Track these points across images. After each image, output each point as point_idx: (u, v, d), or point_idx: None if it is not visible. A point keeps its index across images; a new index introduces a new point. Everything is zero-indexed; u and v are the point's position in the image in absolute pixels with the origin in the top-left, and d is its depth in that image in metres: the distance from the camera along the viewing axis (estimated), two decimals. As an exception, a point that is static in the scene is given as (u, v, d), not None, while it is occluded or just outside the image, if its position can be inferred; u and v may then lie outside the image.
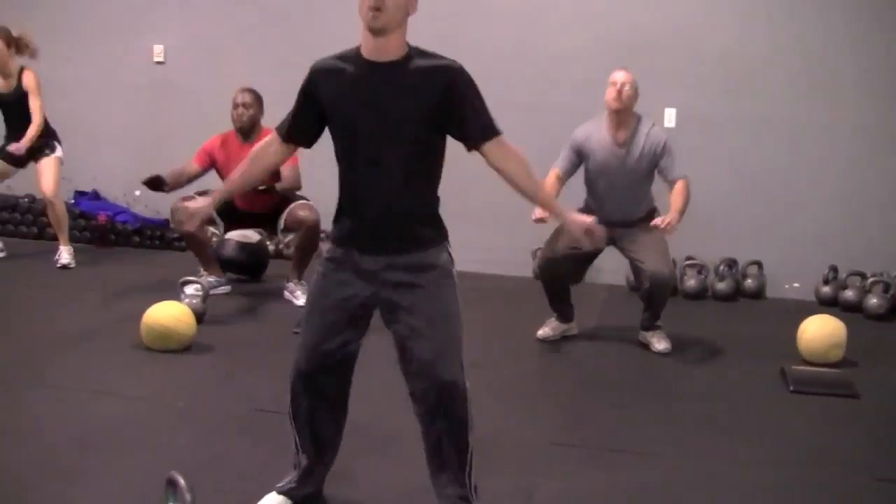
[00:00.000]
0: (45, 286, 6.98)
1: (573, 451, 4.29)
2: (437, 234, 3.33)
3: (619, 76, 5.74)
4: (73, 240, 7.72)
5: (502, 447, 4.13)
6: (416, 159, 3.24)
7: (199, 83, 8.22)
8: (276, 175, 6.35)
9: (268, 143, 3.47)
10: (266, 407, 4.63)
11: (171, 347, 5.45)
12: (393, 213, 3.24)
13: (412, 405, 3.32)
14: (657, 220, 5.56)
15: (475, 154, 3.27)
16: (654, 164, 5.79)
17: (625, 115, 5.78)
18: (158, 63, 8.46)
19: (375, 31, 3.13)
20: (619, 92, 5.70)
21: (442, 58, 3.21)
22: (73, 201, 8.28)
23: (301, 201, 6.63)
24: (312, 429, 3.45)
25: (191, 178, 6.58)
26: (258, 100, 6.61)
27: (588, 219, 3.42)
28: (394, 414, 3.92)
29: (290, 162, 6.36)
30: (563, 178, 5.84)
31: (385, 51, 3.17)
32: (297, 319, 5.98)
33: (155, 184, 6.30)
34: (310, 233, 6.56)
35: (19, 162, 7.40)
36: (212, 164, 6.62)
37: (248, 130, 6.59)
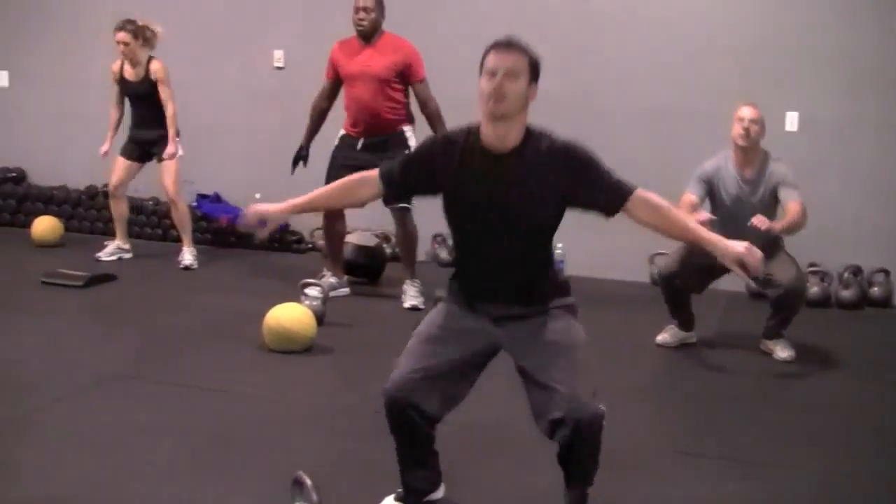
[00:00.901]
0: (169, 286, 7.14)
1: (699, 461, 4.22)
2: (559, 292, 3.34)
3: (746, 112, 5.65)
4: (195, 241, 7.89)
5: (626, 454, 4.09)
6: (537, 241, 3.29)
7: (318, 88, 8.30)
8: None
9: (365, 181, 3.46)
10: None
11: (291, 349, 5.52)
12: (513, 285, 3.29)
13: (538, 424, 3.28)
14: (757, 219, 5.41)
15: None
16: (776, 196, 5.71)
17: (752, 153, 5.71)
18: (278, 68, 8.59)
19: (496, 119, 3.16)
20: (747, 130, 5.62)
21: (559, 140, 3.21)
22: (195, 204, 8.45)
23: None
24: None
25: (325, 98, 6.82)
26: (379, 3, 6.63)
27: (743, 246, 3.26)
28: (516, 416, 3.90)
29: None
30: (699, 206, 5.76)
31: (505, 139, 3.19)
32: (416, 321, 6.03)
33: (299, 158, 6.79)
34: (403, 226, 6.65)
35: (142, 157, 7.60)
36: (336, 70, 6.71)
37: (368, 34, 6.63)
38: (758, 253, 3.25)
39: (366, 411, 4.67)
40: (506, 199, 3.18)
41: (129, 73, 7.48)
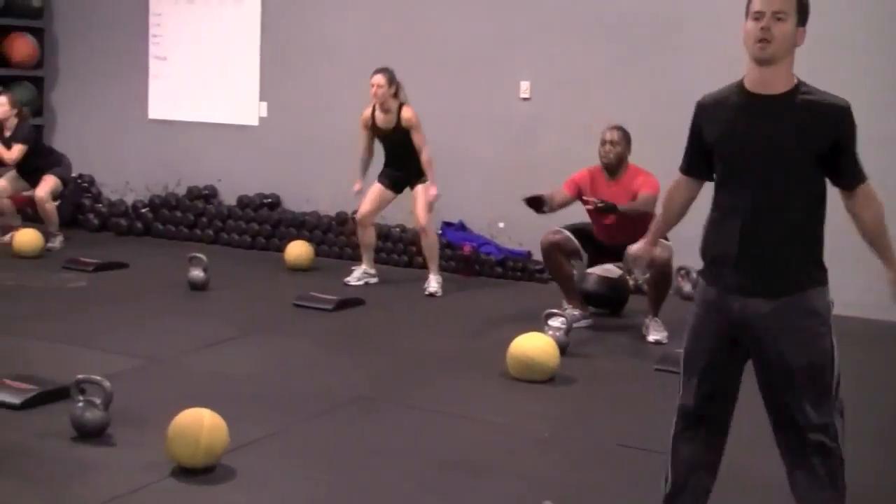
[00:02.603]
0: (414, 312, 7.26)
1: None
2: (819, 274, 3.18)
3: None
4: (440, 269, 7.99)
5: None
6: (801, 194, 3.14)
7: (564, 119, 8.32)
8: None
9: (675, 182, 3.48)
10: (628, 442, 4.57)
11: (534, 378, 5.51)
12: (775, 246, 3.13)
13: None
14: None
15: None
16: None
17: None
18: (524, 99, 8.63)
19: (762, 62, 3.09)
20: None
21: (830, 95, 3.13)
22: (440, 231, 8.59)
23: None
24: (687, 451, 3.35)
25: (561, 205, 6.67)
26: (626, 137, 6.62)
27: None
28: (770, 458, 3.74)
29: (649, 187, 6.42)
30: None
31: (772, 83, 3.12)
32: (659, 356, 5.93)
33: (536, 203, 6.50)
34: (663, 270, 6.46)
35: (396, 189, 7.78)
36: (579, 194, 6.68)
37: (614, 168, 6.62)
38: None
39: (607, 442, 4.60)
40: (771, 139, 3.11)
41: (381, 120, 7.68)
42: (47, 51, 10.60)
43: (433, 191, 7.61)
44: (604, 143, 6.63)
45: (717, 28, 7.30)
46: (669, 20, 7.94)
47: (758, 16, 3.07)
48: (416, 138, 7.58)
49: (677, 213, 3.50)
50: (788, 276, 3.13)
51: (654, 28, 8.00)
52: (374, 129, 7.75)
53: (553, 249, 6.76)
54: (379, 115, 7.68)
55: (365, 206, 7.87)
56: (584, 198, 6.60)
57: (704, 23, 7.75)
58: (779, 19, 3.06)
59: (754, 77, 3.14)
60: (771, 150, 3.11)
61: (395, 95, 7.62)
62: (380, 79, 7.55)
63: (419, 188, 7.67)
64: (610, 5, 7.42)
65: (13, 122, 8.84)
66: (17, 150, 8.76)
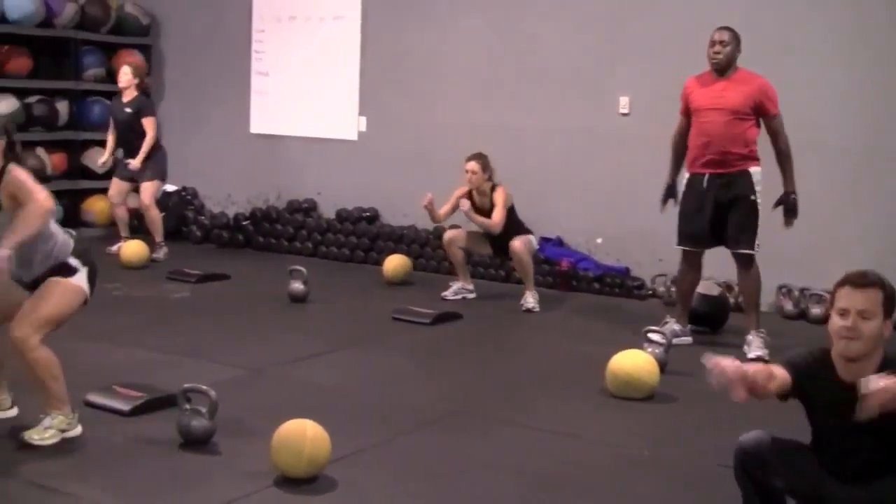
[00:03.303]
0: (511, 327, 7.27)
1: None
2: None
3: None
4: (536, 284, 7.98)
5: None
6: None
7: (663, 135, 8.23)
8: None
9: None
10: (730, 463, 4.50)
11: (633, 395, 5.47)
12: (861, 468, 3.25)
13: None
14: None
15: None
16: None
17: None
18: (623, 114, 8.60)
19: (849, 360, 3.14)
20: None
21: None
22: (537, 247, 8.58)
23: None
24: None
25: (684, 135, 6.70)
26: (736, 38, 6.50)
27: None
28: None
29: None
30: None
31: (861, 374, 3.10)
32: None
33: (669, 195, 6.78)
34: (748, 274, 6.47)
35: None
36: (687, 105, 6.65)
37: (723, 68, 6.50)
38: None
39: (707, 462, 4.55)
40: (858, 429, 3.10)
41: (477, 201, 7.79)
42: (154, 67, 10.86)
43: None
44: (713, 43, 6.50)
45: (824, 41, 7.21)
46: (772, 37, 7.85)
47: (843, 312, 3.11)
48: (497, 213, 7.73)
49: None
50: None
51: (754, 44, 7.91)
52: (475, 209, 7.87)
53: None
54: (475, 196, 7.83)
55: (453, 230, 8.09)
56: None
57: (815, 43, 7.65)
58: (865, 318, 3.09)
59: (841, 368, 3.20)
60: (858, 432, 3.15)
61: (489, 179, 7.76)
62: (474, 165, 7.70)
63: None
64: (709, 22, 7.32)
65: (133, 93, 9.02)
66: (151, 126, 8.95)
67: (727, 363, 3.24)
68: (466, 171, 7.71)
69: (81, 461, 4.37)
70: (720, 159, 6.46)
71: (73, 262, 4.47)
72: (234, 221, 10.16)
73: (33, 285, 4.45)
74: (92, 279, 4.53)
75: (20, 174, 4.35)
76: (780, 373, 3.29)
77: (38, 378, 4.42)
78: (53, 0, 9.83)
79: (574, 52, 8.71)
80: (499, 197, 7.71)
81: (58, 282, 4.41)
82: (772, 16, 7.87)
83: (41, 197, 4.30)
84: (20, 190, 4.31)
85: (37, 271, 4.44)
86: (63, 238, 4.51)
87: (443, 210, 7.86)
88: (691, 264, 6.72)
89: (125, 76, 9.01)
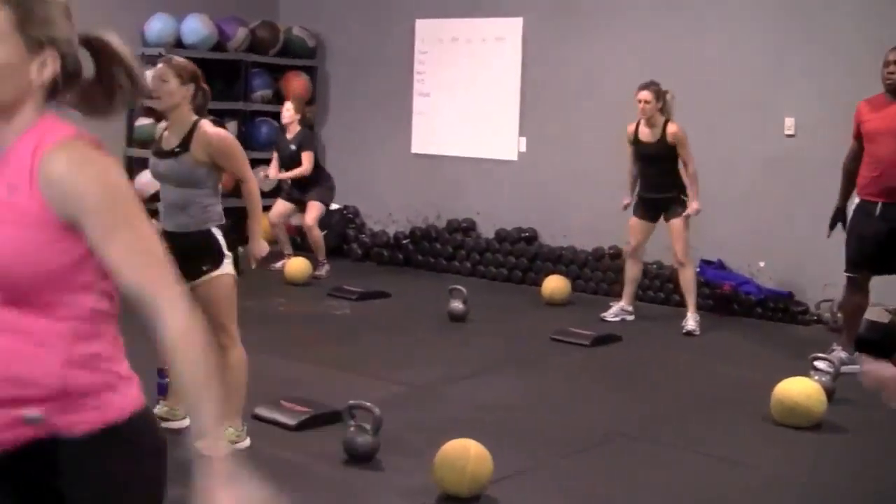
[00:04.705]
0: (672, 350, 7.18)
1: None
2: None
3: None
4: (697, 307, 7.86)
5: None
6: None
7: (829, 157, 8.03)
8: None
9: None
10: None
11: (799, 423, 5.34)
12: None
13: None
14: None
15: None
16: None
17: None
18: (789, 136, 8.42)
19: None
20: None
21: None
22: (698, 269, 8.46)
23: None
24: None
25: (856, 160, 6.48)
26: None
27: None
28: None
29: None
30: None
31: None
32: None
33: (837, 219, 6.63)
34: None
35: (655, 217, 7.73)
36: (859, 130, 6.45)
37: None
38: None
39: (876, 496, 4.42)
40: None
41: (645, 135, 7.63)
42: (319, 88, 11.12)
43: (695, 205, 7.54)
44: (887, 63, 6.28)
45: None
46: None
47: None
48: (683, 153, 7.53)
49: None
50: None
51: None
52: (636, 144, 7.72)
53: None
54: (643, 130, 7.65)
55: (632, 238, 7.88)
56: None
57: None
58: None
59: None
60: None
61: (661, 110, 7.60)
62: (646, 94, 7.53)
63: (676, 223, 7.57)
64: (879, 42, 7.13)
65: (296, 128, 9.29)
66: (308, 160, 9.17)
67: (884, 367, 3.13)
68: (638, 101, 7.55)
69: (249, 473, 4.49)
70: (894, 187, 6.25)
71: (219, 236, 4.62)
72: (394, 240, 10.31)
73: (177, 237, 4.56)
74: (236, 263, 4.68)
75: (232, 142, 4.69)
76: None
77: (226, 383, 4.57)
78: (226, 24, 10.21)
79: (738, 72, 8.57)
80: (676, 131, 7.53)
81: (213, 283, 4.56)
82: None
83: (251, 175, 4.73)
84: (232, 159, 4.64)
85: (183, 221, 4.61)
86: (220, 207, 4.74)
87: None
88: (858, 290, 6.53)
89: (287, 113, 9.26)
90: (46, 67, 1.93)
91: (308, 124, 9.57)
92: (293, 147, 9.21)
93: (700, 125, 8.49)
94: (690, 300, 7.70)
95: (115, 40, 2.04)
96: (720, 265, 8.67)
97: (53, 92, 1.98)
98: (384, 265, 10.12)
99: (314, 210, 9.25)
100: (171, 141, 4.65)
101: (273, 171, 9.44)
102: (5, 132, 1.93)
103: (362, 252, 10.37)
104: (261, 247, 4.84)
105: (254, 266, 5.02)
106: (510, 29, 9.73)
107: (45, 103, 1.97)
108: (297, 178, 9.18)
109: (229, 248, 4.64)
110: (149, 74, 9.33)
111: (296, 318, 7.67)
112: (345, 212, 10.65)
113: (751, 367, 6.62)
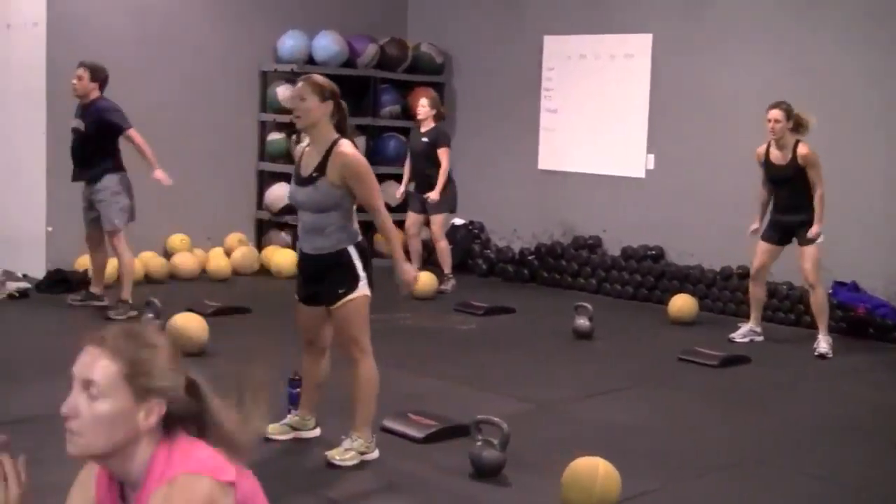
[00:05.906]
0: (803, 373, 7.02)
1: None
2: None
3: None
4: (830, 329, 7.67)
5: None
6: None
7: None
8: None
9: None
10: None
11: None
12: None
13: None
14: None
15: None
16: None
17: None
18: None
19: None
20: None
21: None
22: (831, 291, 8.27)
23: None
24: None
25: None
26: None
27: None
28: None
29: None
30: None
31: None
32: None
33: None
34: None
35: (783, 241, 7.59)
36: None
37: None
38: None
39: None
40: None
41: (776, 157, 7.50)
42: (446, 104, 11.19)
43: (815, 229, 7.38)
44: None
45: None
46: None
47: None
48: (813, 175, 7.37)
49: None
50: None
51: None
52: (767, 166, 7.58)
53: None
54: (773, 152, 7.51)
55: (756, 260, 7.73)
56: None
57: None
58: None
59: None
60: None
61: (793, 130, 7.44)
62: (777, 113, 7.38)
63: (808, 247, 7.41)
64: None
65: (430, 123, 9.34)
66: (445, 157, 9.25)
67: None
68: (768, 121, 7.40)
69: (377, 485, 4.57)
70: None
71: (355, 257, 4.70)
72: (519, 256, 10.32)
73: (314, 259, 4.71)
74: (370, 279, 4.75)
75: (366, 168, 4.72)
76: None
77: (356, 397, 4.67)
78: (357, 41, 10.37)
79: (866, 90, 8.36)
80: (807, 153, 7.37)
81: (349, 306, 4.66)
82: None
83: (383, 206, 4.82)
84: (362, 184, 4.69)
85: (320, 244, 4.70)
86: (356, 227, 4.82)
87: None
88: None
89: (423, 108, 9.35)
90: (152, 415, 2.11)
91: (441, 118, 9.60)
92: (425, 140, 9.29)
93: (830, 143, 8.30)
94: (822, 322, 7.52)
95: (204, 385, 2.19)
96: (854, 287, 8.45)
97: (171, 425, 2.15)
98: (509, 281, 10.13)
99: (440, 221, 9.33)
100: (309, 164, 4.71)
101: (403, 189, 9.55)
102: (129, 466, 2.12)
103: (487, 267, 10.40)
104: (408, 273, 4.86)
105: (404, 293, 5.13)
106: (640, 45, 9.67)
107: (167, 434, 2.14)
108: (444, 184, 9.26)
109: (364, 268, 4.71)
110: (282, 91, 9.77)
111: (421, 333, 7.73)
112: (470, 227, 10.70)
113: (886, 393, 6.45)
